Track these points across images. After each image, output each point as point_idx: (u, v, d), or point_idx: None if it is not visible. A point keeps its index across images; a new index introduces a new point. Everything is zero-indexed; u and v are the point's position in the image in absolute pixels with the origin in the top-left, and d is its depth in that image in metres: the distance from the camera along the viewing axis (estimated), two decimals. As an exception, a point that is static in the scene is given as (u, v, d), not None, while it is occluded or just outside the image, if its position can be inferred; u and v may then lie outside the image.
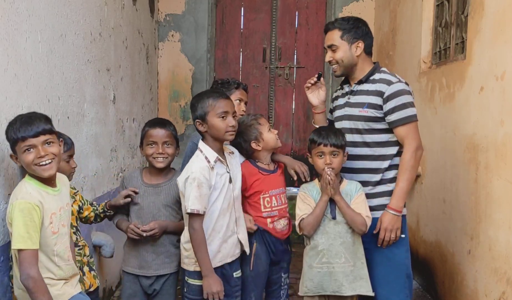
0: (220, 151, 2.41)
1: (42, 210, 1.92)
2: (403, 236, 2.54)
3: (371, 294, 2.49)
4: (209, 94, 2.42)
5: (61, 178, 2.12)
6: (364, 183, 2.53)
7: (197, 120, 2.38)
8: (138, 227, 2.45)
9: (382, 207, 2.53)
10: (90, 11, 3.17)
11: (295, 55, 5.73)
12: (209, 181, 2.30)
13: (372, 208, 2.52)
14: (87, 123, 3.15)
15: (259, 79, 5.76)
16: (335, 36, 2.58)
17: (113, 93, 3.70)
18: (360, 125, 2.55)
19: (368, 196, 2.53)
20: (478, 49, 2.94)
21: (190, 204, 2.26)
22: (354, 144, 2.56)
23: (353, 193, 2.51)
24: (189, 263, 2.39)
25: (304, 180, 2.65)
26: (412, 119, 2.47)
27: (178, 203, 2.48)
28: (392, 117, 2.47)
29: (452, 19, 3.52)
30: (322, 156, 2.48)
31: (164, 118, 2.75)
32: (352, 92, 2.61)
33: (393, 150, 2.54)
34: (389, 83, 2.49)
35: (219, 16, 5.70)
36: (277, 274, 2.69)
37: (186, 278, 2.42)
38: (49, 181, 2.01)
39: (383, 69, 2.61)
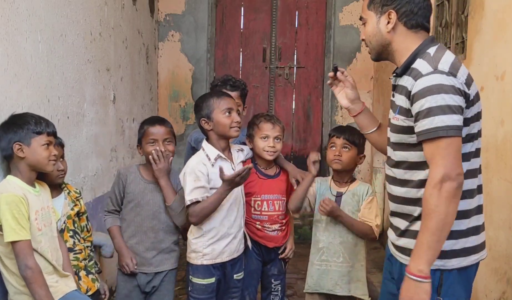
0: (225, 149, 2.44)
1: (27, 203, 1.94)
2: (439, 298, 1.75)
3: (367, 298, 2.49)
4: (212, 94, 2.51)
5: (40, 182, 2.13)
6: (402, 216, 1.86)
7: (202, 118, 2.41)
8: (133, 263, 2.51)
9: (406, 251, 1.82)
10: (90, 11, 3.17)
11: (295, 55, 5.73)
12: (205, 176, 2.35)
13: (399, 250, 1.88)
14: (87, 123, 3.15)
15: (259, 79, 5.76)
16: (364, 5, 1.88)
17: (113, 93, 3.70)
18: (394, 138, 1.83)
19: (400, 233, 1.88)
20: (478, 49, 2.94)
21: (188, 197, 2.32)
22: (392, 164, 1.88)
23: (363, 195, 2.53)
24: (196, 257, 2.41)
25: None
26: (439, 133, 1.62)
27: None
28: (416, 128, 1.70)
29: (452, 19, 3.51)
30: (334, 147, 2.55)
31: (161, 116, 2.76)
32: (394, 88, 1.87)
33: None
34: (417, 76, 1.69)
35: (219, 16, 5.70)
36: (267, 279, 2.73)
37: (190, 277, 2.44)
38: (29, 181, 2.03)
39: (429, 51, 1.74)
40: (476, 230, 1.80)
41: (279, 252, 2.70)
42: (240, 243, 2.49)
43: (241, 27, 5.74)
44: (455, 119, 1.63)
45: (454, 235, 1.72)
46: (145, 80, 4.84)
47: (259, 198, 2.62)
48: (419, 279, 1.63)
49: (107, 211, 2.61)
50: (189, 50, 5.57)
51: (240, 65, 5.77)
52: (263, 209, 2.62)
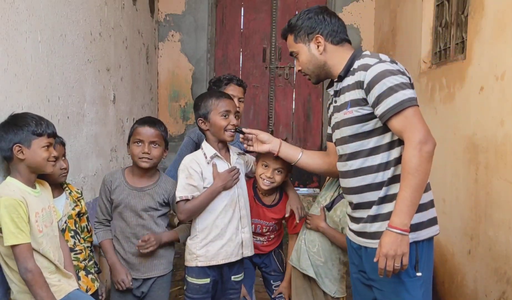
0: (222, 149, 2.42)
1: (26, 206, 1.93)
2: (419, 274, 1.90)
3: (335, 295, 2.49)
4: (212, 94, 2.47)
5: (42, 182, 2.13)
6: (369, 205, 1.98)
7: (199, 118, 2.40)
8: (129, 279, 2.44)
9: (380, 234, 1.91)
10: (90, 11, 3.17)
11: (295, 55, 5.72)
12: (198, 174, 2.34)
13: (372, 236, 1.97)
14: (87, 123, 3.15)
15: (259, 79, 5.76)
16: (290, 42, 2.14)
17: (113, 93, 3.70)
18: (349, 131, 2.00)
19: (371, 219, 1.98)
20: (478, 49, 2.94)
21: (179, 193, 2.33)
22: (347, 157, 2.04)
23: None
24: (191, 259, 2.40)
25: (297, 221, 2.55)
26: (405, 104, 1.82)
27: (161, 205, 2.47)
28: (379, 110, 1.87)
29: (452, 19, 3.51)
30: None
31: (156, 118, 2.66)
32: (336, 93, 2.09)
33: (395, 153, 1.93)
34: (366, 67, 1.91)
35: (219, 16, 5.70)
36: (268, 282, 2.74)
37: (186, 276, 2.44)
38: (29, 182, 2.02)
39: (365, 53, 2.01)
40: (432, 203, 2.00)
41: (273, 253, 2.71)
42: (240, 248, 2.41)
43: (241, 27, 5.74)
44: (412, 92, 1.88)
45: (421, 208, 1.90)
46: (145, 80, 4.84)
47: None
48: (404, 232, 1.80)
49: (97, 222, 2.50)
50: (189, 50, 5.57)
51: (240, 65, 5.77)
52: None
